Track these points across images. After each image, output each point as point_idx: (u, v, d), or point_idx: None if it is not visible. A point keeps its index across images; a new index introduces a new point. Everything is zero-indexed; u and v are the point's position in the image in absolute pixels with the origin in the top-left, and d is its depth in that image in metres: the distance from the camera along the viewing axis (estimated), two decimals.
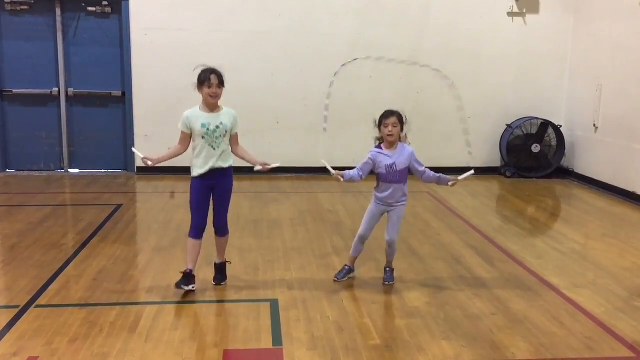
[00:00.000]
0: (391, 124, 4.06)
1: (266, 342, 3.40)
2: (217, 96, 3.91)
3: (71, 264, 4.58)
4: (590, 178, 7.80)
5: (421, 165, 4.15)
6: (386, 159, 4.10)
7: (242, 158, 4.18)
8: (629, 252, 5.12)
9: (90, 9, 7.77)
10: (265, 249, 5.07)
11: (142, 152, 4.22)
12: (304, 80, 8.07)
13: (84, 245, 5.06)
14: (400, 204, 4.16)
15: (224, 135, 3.96)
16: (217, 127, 3.92)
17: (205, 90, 3.87)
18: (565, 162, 8.35)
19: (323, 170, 7.99)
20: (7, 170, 7.95)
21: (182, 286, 3.93)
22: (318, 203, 6.72)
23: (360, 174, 4.17)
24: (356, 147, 8.44)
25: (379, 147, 4.18)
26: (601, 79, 7.59)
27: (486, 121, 8.39)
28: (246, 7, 7.87)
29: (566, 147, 8.24)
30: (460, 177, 4.09)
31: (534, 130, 8.25)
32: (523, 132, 8.27)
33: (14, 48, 7.77)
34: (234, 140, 4.09)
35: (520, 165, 8.25)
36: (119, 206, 6.38)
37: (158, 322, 3.60)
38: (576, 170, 8.16)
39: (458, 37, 8.16)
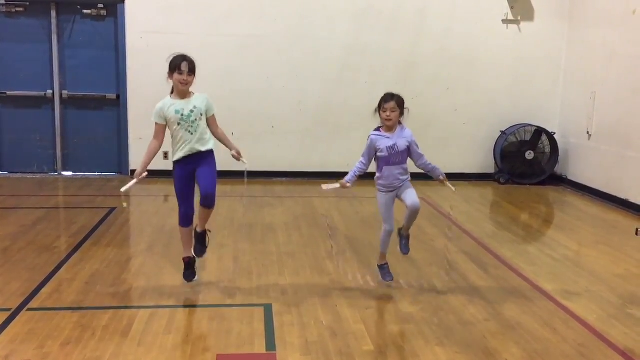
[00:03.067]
0: (390, 109, 4.07)
1: (259, 347, 3.39)
2: (188, 83, 3.94)
3: (64, 267, 4.56)
4: (583, 185, 7.84)
5: (419, 149, 4.21)
6: (387, 140, 4.12)
7: (221, 141, 4.20)
8: (621, 259, 5.14)
9: (85, 11, 7.76)
10: (259, 253, 5.06)
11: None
12: (299, 84, 8.07)
13: (76, 248, 5.04)
14: (405, 181, 4.18)
15: (200, 119, 3.98)
16: (192, 110, 3.95)
17: (176, 76, 3.90)
18: (558, 169, 8.39)
19: (318, 175, 8.09)
20: (0, 172, 7.91)
21: (192, 279, 4.17)
22: (312, 208, 6.71)
23: (364, 162, 4.21)
24: (352, 152, 8.46)
25: (377, 130, 4.21)
26: (595, 86, 7.64)
27: (480, 127, 8.42)
28: (242, 11, 7.87)
29: (560, 154, 8.27)
30: (448, 183, 4.24)
31: (527, 137, 8.29)
32: (517, 138, 8.30)
33: (8, 50, 7.74)
34: (212, 122, 4.10)
35: (514, 171, 8.28)
36: (112, 209, 6.36)
37: (151, 326, 3.59)
38: (569, 177, 8.20)
39: (453, 43, 8.19)
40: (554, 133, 8.26)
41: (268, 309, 3.90)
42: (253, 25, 7.89)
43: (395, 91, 4.23)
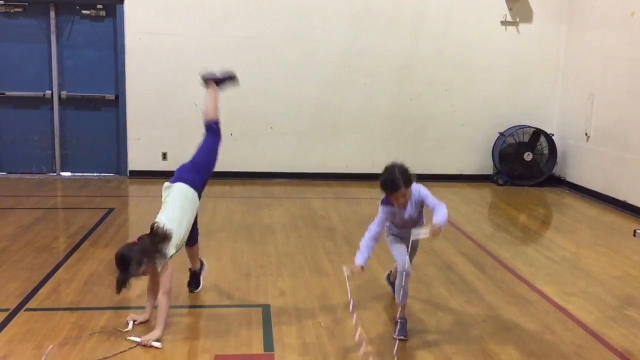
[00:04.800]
0: (400, 196, 3.45)
1: (257, 348, 3.40)
2: None
3: (62, 268, 4.56)
4: (581, 187, 7.85)
5: (431, 202, 3.54)
6: (402, 212, 3.58)
7: None
8: (619, 261, 5.15)
9: (84, 12, 7.75)
10: (257, 254, 5.06)
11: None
12: (297, 86, 8.08)
13: (75, 248, 5.04)
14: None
15: None
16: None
17: None
18: (557, 171, 8.40)
19: (316, 177, 8.10)
20: None
21: (196, 289, 4.15)
22: (310, 208, 6.72)
23: (377, 232, 3.59)
24: (349, 154, 8.49)
25: (388, 203, 3.56)
26: (593, 88, 7.65)
27: (479, 129, 8.43)
28: (240, 13, 7.87)
29: (558, 155, 8.28)
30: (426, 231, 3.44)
31: (526, 139, 8.30)
32: (515, 140, 8.31)
33: (7, 50, 7.74)
34: None
35: (513, 173, 8.29)
36: (110, 210, 6.36)
37: (149, 326, 3.58)
38: (568, 179, 8.21)
39: (451, 44, 8.21)
40: (553, 134, 8.27)
41: (266, 310, 3.90)
42: (251, 26, 7.90)
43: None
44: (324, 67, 8.08)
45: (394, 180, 3.39)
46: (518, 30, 8.32)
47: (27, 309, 3.79)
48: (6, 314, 3.70)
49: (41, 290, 4.10)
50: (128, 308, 3.87)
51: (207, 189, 3.94)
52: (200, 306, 3.97)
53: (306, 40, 8.00)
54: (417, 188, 3.54)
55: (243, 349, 3.37)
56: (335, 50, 8.06)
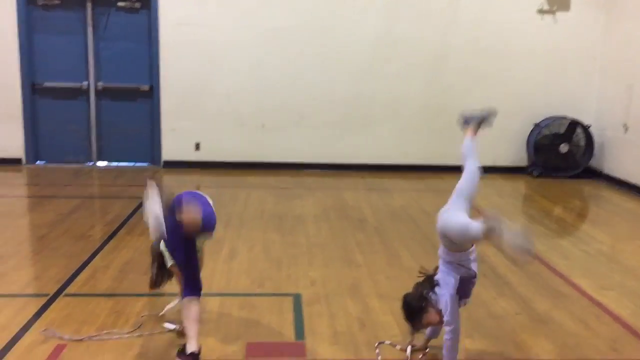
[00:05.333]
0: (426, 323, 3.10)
1: (288, 336, 3.43)
2: None
3: (99, 255, 4.67)
4: (619, 179, 7.67)
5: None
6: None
7: None
8: None
9: (120, 4, 7.87)
10: (288, 244, 5.09)
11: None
12: (329, 76, 8.06)
13: (111, 237, 5.15)
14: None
15: None
16: None
17: None
18: (594, 163, 8.22)
19: (347, 167, 8.10)
20: (38, 161, 8.10)
21: None
22: (342, 199, 6.72)
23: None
24: (381, 145, 8.45)
25: None
26: (632, 78, 7.45)
27: (514, 120, 8.29)
28: (273, 4, 7.89)
29: (595, 147, 8.10)
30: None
31: (562, 130, 8.14)
32: (551, 131, 8.16)
33: (45, 42, 7.91)
34: None
35: (548, 164, 8.15)
36: None
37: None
38: (605, 171, 8.03)
39: (486, 34, 8.08)
40: (590, 126, 8.09)
41: (297, 299, 3.93)
42: (283, 17, 7.90)
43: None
44: (355, 57, 8.05)
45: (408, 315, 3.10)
46: (555, 19, 8.14)
47: (65, 295, 3.90)
48: (46, 298, 3.81)
49: (79, 277, 4.21)
50: (162, 295, 3.94)
51: (238, 179, 3.99)
52: (232, 294, 4.01)
53: (338, 31, 7.98)
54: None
55: (274, 337, 3.41)
56: (367, 41, 8.02)
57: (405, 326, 3.23)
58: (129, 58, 8.00)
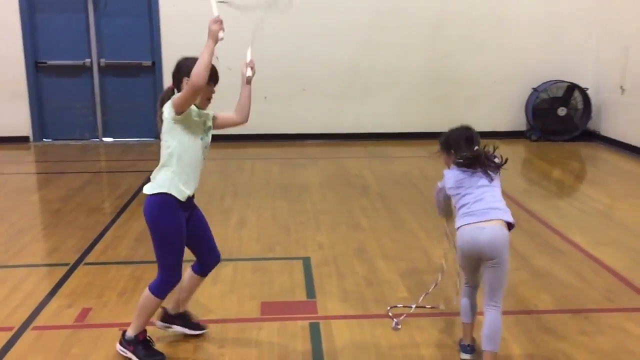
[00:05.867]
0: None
1: (300, 295, 3.62)
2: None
3: (113, 226, 4.84)
4: (616, 140, 7.81)
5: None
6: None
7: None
8: None
9: None
10: (295, 211, 5.26)
11: None
12: (329, 47, 8.14)
13: (123, 209, 5.31)
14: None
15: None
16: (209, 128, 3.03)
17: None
18: (591, 125, 8.35)
19: (349, 137, 8.23)
20: (44, 139, 8.23)
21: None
22: (345, 168, 6.87)
23: None
24: (382, 113, 8.57)
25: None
26: (628, 40, 7.54)
27: (512, 85, 8.40)
28: None
29: (593, 109, 8.22)
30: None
31: (560, 94, 8.25)
32: (549, 95, 8.27)
33: (47, 20, 7.97)
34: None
35: (546, 128, 8.28)
36: None
37: None
38: (602, 133, 8.17)
39: (483, 0, 8.14)
40: (587, 89, 8.20)
41: (307, 262, 4.11)
42: None
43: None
44: (355, 27, 8.12)
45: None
46: None
47: (85, 263, 4.08)
48: (67, 268, 3.99)
49: (96, 247, 4.38)
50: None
51: (243, 150, 4.13)
52: (245, 259, 4.19)
53: (338, 1, 8.03)
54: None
55: (287, 297, 3.60)
56: (366, 10, 8.08)
57: (411, 285, 3.41)
58: (131, 34, 8.07)
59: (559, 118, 8.25)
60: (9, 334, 3.15)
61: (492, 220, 2.70)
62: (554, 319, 3.31)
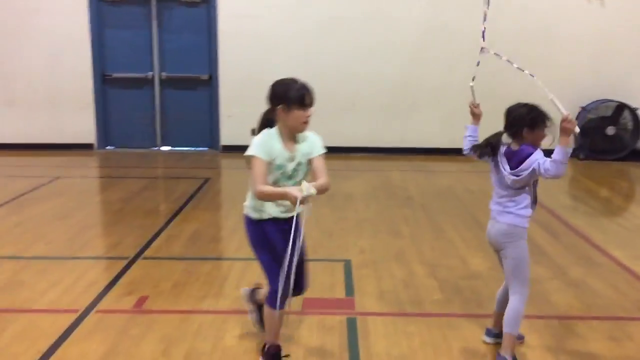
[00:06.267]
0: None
1: (340, 294, 3.84)
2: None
3: (169, 226, 5.19)
4: None
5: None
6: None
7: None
8: None
9: None
10: (339, 218, 5.49)
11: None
12: (378, 64, 8.40)
13: (178, 211, 5.67)
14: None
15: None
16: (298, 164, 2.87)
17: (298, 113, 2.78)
18: None
19: (395, 151, 8.43)
20: (107, 147, 8.77)
21: None
22: (389, 180, 7.08)
23: None
24: (428, 129, 8.74)
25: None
26: None
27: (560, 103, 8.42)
28: None
29: None
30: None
31: (609, 113, 8.23)
32: (598, 114, 8.26)
33: (113, 36, 8.55)
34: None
35: (594, 147, 8.26)
36: (207, 180, 7.00)
37: (245, 274, 4.09)
38: None
39: (532, 19, 8.25)
40: (637, 109, 8.16)
41: (347, 264, 4.33)
42: (332, 7, 8.28)
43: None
44: (403, 44, 8.36)
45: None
46: (602, 3, 8.22)
47: (143, 258, 4.42)
48: (126, 261, 4.34)
49: (153, 244, 4.73)
50: (228, 259, 4.43)
51: None
52: None
53: (386, 19, 8.31)
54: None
55: (327, 294, 3.83)
56: (414, 28, 8.31)
57: (446, 289, 3.57)
58: (190, 49, 8.56)
59: (608, 137, 8.23)
60: (74, 316, 3.49)
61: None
62: (582, 324, 3.42)
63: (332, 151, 9.40)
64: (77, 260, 4.39)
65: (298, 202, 2.64)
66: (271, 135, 2.83)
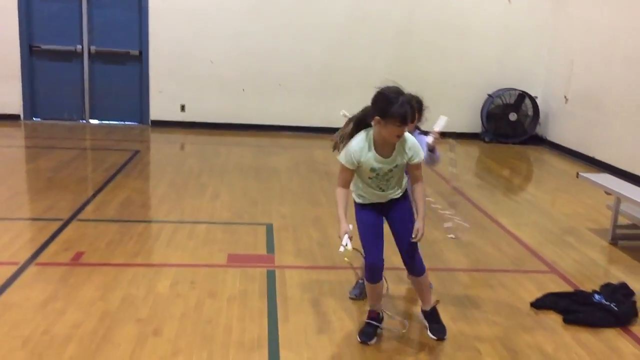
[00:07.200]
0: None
1: (261, 251, 4.31)
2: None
3: (101, 192, 5.48)
4: (559, 145, 8.66)
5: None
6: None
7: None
8: (573, 203, 6.00)
9: None
10: (264, 189, 5.95)
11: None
12: (305, 47, 8.85)
13: (109, 180, 5.94)
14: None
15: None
16: (390, 170, 3.05)
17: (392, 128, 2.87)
18: (539, 130, 9.19)
19: (320, 130, 8.94)
20: (34, 118, 8.79)
21: (369, 341, 3.14)
22: (312, 157, 7.58)
23: None
24: (351, 111, 9.26)
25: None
26: (573, 54, 8.38)
27: (470, 90, 9.20)
28: None
29: (540, 116, 9.06)
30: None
31: (512, 100, 9.07)
32: (502, 101, 9.08)
33: (42, 7, 8.54)
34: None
35: (498, 132, 9.08)
36: (136, 152, 7.25)
37: (176, 234, 4.50)
38: (548, 138, 9.01)
39: (448, 13, 8.93)
40: (536, 97, 9.03)
41: (270, 227, 4.80)
42: None
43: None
44: (329, 30, 8.85)
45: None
46: (509, 1, 9.01)
47: (77, 220, 4.71)
48: (61, 222, 4.62)
49: (87, 208, 5.02)
50: (159, 222, 4.80)
51: (220, 138, 4.79)
52: (217, 222, 4.86)
53: (314, 5, 8.76)
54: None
55: (250, 251, 4.28)
56: (340, 15, 8.81)
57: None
58: (121, 24, 8.69)
59: (510, 123, 9.07)
60: (15, 268, 3.78)
61: None
62: (465, 275, 4.05)
63: (260, 129, 9.84)
64: (12, 221, 4.64)
65: (343, 240, 2.98)
66: (365, 142, 2.99)
